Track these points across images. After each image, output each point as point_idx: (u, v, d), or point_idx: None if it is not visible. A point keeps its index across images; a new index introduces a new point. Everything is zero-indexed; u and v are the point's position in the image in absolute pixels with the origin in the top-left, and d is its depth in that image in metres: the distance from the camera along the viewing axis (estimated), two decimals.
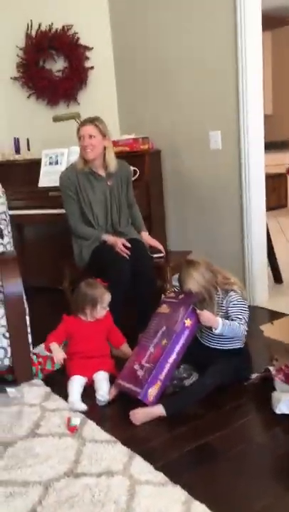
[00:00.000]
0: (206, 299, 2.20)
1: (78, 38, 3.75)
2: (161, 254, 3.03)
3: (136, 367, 2.17)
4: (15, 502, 1.60)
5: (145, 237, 2.99)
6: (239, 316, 2.19)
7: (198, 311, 2.14)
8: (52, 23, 3.73)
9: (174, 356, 2.12)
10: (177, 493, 1.59)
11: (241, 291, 2.26)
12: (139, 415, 2.01)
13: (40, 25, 3.73)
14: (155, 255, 2.99)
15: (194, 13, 3.21)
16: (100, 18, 3.73)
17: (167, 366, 2.11)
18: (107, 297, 2.41)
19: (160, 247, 3.02)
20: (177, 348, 2.13)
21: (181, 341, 2.14)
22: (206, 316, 2.14)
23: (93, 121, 2.78)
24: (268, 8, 4.76)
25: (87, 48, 3.77)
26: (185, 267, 2.25)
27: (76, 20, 3.72)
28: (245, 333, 2.22)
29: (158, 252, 3.02)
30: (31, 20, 3.73)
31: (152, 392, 2.06)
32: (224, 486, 1.64)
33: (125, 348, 2.49)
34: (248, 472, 1.70)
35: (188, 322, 2.16)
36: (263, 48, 3.10)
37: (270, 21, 5.46)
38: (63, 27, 3.72)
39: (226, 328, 2.14)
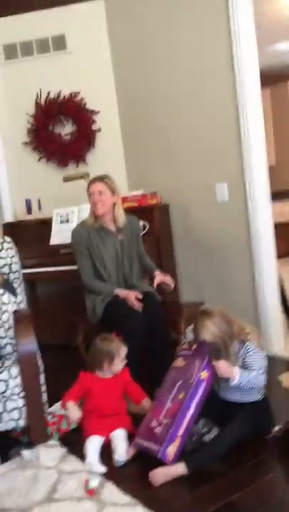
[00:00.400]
0: (221, 349, 2.16)
1: (85, 103, 3.93)
2: (171, 287, 2.96)
3: (153, 424, 2.11)
4: None
5: (158, 277, 2.93)
6: (256, 366, 2.14)
7: (213, 363, 2.11)
8: (60, 91, 3.92)
9: (191, 410, 2.07)
10: None
11: (258, 340, 2.22)
12: (159, 476, 1.94)
13: (48, 94, 3.93)
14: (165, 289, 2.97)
15: (194, 73, 3.37)
16: (105, 84, 3.92)
17: (186, 421, 2.05)
18: (124, 350, 2.38)
19: (171, 281, 2.95)
20: (195, 401, 2.08)
21: (199, 394, 2.09)
22: (223, 367, 2.09)
23: (103, 178, 2.88)
24: (266, 66, 5.02)
25: (93, 112, 3.94)
26: (200, 317, 2.22)
27: (83, 86, 3.91)
28: (265, 382, 2.16)
29: (168, 287, 2.96)
30: (40, 89, 3.93)
31: (171, 450, 1.99)
32: None
33: (146, 402, 2.41)
34: None
35: (204, 375, 2.11)
36: (263, 103, 3.24)
37: (269, 78, 5.71)
38: (71, 94, 3.92)
39: (245, 378, 2.09)
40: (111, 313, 2.77)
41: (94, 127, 3.96)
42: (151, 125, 3.76)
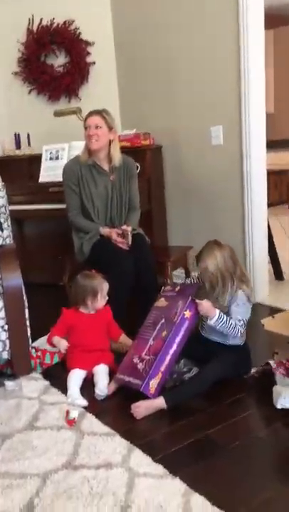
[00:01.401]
0: (217, 284, 2.17)
1: (80, 33, 3.73)
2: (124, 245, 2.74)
3: (135, 360, 2.15)
4: (12, 494, 1.58)
5: (125, 228, 2.75)
6: (239, 317, 2.16)
7: (197, 301, 2.12)
8: (53, 18, 3.71)
9: (174, 348, 2.11)
10: (176, 486, 1.57)
11: (250, 292, 2.23)
12: (141, 409, 1.99)
13: (41, 20, 3.71)
14: None
15: (197, 10, 3.19)
16: (101, 13, 3.71)
17: (168, 358, 2.09)
18: (106, 286, 2.40)
19: (125, 244, 2.73)
20: (177, 339, 2.12)
21: (181, 333, 2.13)
22: (205, 305, 2.12)
23: (101, 112, 2.77)
24: (270, 7, 4.76)
25: (88, 43, 3.75)
26: (210, 245, 2.22)
27: (77, 15, 3.71)
28: (240, 334, 2.17)
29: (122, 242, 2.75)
30: (33, 15, 3.71)
31: (153, 384, 2.04)
32: (224, 479, 1.62)
33: (124, 338, 2.48)
34: (248, 466, 1.68)
35: (187, 313, 2.14)
36: (266, 46, 3.09)
37: (273, 20, 5.45)
38: (65, 22, 3.71)
39: (221, 321, 2.12)
40: (98, 253, 2.75)
41: (88, 60, 3.78)
42: (149, 61, 3.60)
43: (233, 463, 1.70)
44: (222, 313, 2.13)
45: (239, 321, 2.15)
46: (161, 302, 2.32)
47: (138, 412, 1.98)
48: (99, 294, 2.37)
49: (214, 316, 2.11)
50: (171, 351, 2.10)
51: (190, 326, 2.16)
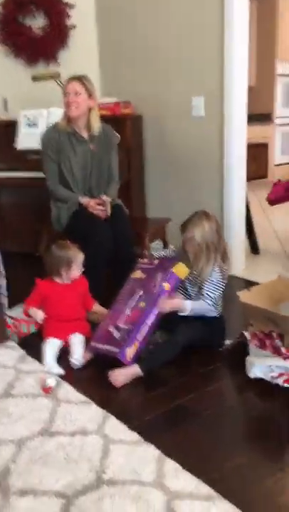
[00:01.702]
0: (201, 255, 2.18)
1: None
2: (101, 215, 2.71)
3: (111, 329, 2.16)
4: None
5: (103, 199, 2.73)
6: (210, 294, 2.18)
7: (168, 300, 2.14)
8: None
9: (151, 319, 2.13)
10: (150, 452, 1.60)
11: (227, 271, 2.25)
12: (119, 376, 2.01)
13: None
14: None
15: None
16: None
17: (145, 328, 2.11)
18: (81, 257, 2.39)
19: (102, 213, 2.70)
20: (155, 310, 2.14)
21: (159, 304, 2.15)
22: (176, 303, 2.16)
23: (80, 78, 2.69)
24: None
25: (68, 5, 3.62)
26: (198, 215, 2.22)
27: None
28: (213, 309, 2.21)
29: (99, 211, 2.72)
30: None
31: (130, 352, 2.06)
32: (197, 445, 1.66)
33: (97, 307, 2.48)
34: (220, 433, 1.73)
35: (166, 286, 2.16)
36: (249, 19, 3.03)
37: None
38: None
39: (194, 311, 2.16)
40: (76, 223, 2.72)
41: (68, 23, 3.65)
42: (131, 28, 3.50)
43: (205, 430, 1.74)
44: (194, 305, 2.15)
45: (210, 298, 2.18)
46: (138, 274, 2.32)
47: (117, 380, 2.00)
48: (73, 265, 2.36)
49: (186, 311, 2.15)
50: (149, 322, 2.12)
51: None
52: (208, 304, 2.19)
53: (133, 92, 3.55)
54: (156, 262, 2.34)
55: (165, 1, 3.24)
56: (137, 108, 3.53)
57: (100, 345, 2.16)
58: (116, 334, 2.12)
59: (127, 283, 2.34)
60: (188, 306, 2.16)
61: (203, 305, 2.18)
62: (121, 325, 2.15)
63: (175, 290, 2.22)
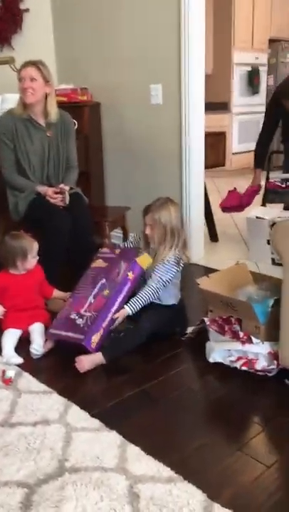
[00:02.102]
0: (164, 239, 2.19)
1: None
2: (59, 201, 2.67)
3: (73, 316, 2.15)
4: None
5: (62, 187, 2.68)
6: (159, 277, 2.18)
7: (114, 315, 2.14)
8: None
9: (116, 306, 2.14)
10: (113, 438, 1.61)
11: (182, 258, 2.26)
12: (84, 362, 2.00)
13: None
14: None
15: None
16: None
17: (110, 315, 2.12)
18: (36, 246, 2.35)
19: (60, 201, 2.66)
20: (120, 298, 2.15)
21: (124, 292, 2.17)
22: (122, 313, 2.15)
23: (36, 63, 2.63)
24: None
25: None
26: (163, 199, 2.24)
27: None
28: (160, 293, 2.21)
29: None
30: None
31: (95, 339, 2.06)
32: (159, 430, 1.69)
33: (57, 293, 2.46)
34: (182, 417, 1.76)
35: (130, 275, 2.18)
36: (206, 6, 3.04)
37: None
38: None
39: (137, 307, 2.16)
40: (34, 212, 2.67)
41: (21, 6, 3.55)
42: (88, 12, 3.44)
43: (166, 415, 1.77)
44: (130, 305, 2.15)
45: (158, 281, 2.18)
46: (99, 263, 2.32)
47: (82, 366, 2.00)
48: (29, 255, 2.32)
49: (128, 312, 2.15)
50: (113, 309, 2.13)
51: (132, 287, 2.20)
52: (150, 288, 2.17)
53: (90, 79, 3.50)
54: (117, 251, 2.34)
55: None
56: (94, 95, 3.49)
57: (62, 332, 2.14)
58: (80, 321, 2.11)
59: (87, 272, 2.33)
60: (128, 310, 2.15)
61: (145, 295, 2.16)
62: (84, 312, 2.14)
63: (137, 280, 2.22)
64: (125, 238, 3.31)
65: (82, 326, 2.09)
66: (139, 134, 3.40)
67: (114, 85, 3.44)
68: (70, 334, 2.11)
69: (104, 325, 2.10)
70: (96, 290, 2.20)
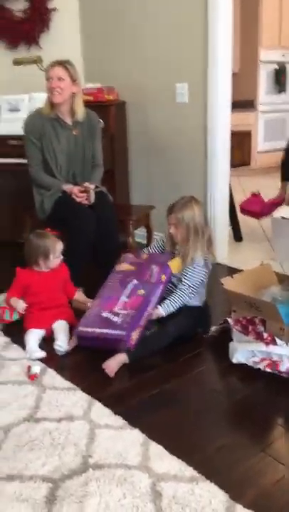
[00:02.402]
0: (188, 239, 2.19)
1: None
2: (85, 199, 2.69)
3: (105, 315, 2.15)
4: None
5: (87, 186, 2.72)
6: (187, 282, 2.19)
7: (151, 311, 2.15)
8: None
9: (151, 305, 2.15)
10: (136, 436, 1.63)
11: (210, 258, 2.26)
12: (113, 365, 2.01)
13: None
14: None
15: None
16: None
17: (146, 314, 2.13)
18: (59, 246, 2.36)
19: (85, 198, 2.68)
20: (154, 298, 2.17)
21: (158, 293, 2.19)
22: (155, 313, 2.16)
23: (64, 63, 2.65)
24: None
25: None
26: (187, 198, 2.25)
27: None
28: (192, 297, 2.22)
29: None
30: None
31: (134, 335, 2.06)
32: (182, 429, 1.69)
33: (79, 295, 2.47)
34: (204, 416, 1.76)
35: (163, 277, 2.21)
36: (233, 5, 3.01)
37: None
38: None
39: (170, 310, 2.17)
40: (60, 210, 2.70)
41: (49, 6, 3.59)
42: (115, 13, 3.46)
43: (189, 414, 1.77)
44: (164, 306, 2.17)
45: (188, 286, 2.19)
46: (126, 266, 2.35)
47: (111, 370, 2.00)
48: (51, 255, 2.33)
49: (161, 314, 2.17)
50: (149, 308, 2.15)
51: (164, 289, 2.22)
52: (183, 292, 2.19)
53: (117, 78, 3.52)
54: (145, 256, 2.37)
55: None
56: (120, 94, 3.51)
57: (96, 329, 2.12)
58: (115, 319, 2.11)
59: (113, 274, 2.34)
60: (162, 312, 2.16)
61: (178, 299, 2.18)
62: (119, 310, 2.15)
63: (168, 283, 2.24)
64: (149, 237, 3.32)
65: (119, 323, 2.09)
66: (164, 133, 3.40)
67: (141, 84, 3.45)
68: (106, 331, 2.09)
69: (142, 323, 2.11)
70: (128, 290, 2.21)
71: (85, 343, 2.18)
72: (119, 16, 3.44)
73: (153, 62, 3.33)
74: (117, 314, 2.14)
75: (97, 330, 2.13)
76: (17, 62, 3.36)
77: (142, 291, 2.18)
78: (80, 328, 2.18)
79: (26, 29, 3.60)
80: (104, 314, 2.16)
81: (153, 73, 3.35)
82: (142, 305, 2.14)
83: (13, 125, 3.32)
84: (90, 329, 2.15)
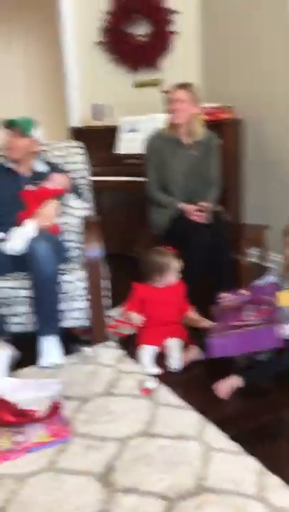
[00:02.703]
0: None
1: (163, 1, 3.65)
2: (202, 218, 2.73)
3: (236, 323, 2.14)
4: (93, 455, 1.67)
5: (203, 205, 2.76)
6: None
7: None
8: None
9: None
10: (252, 464, 1.59)
11: None
12: (224, 387, 2.00)
13: None
14: None
15: None
16: None
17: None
18: (176, 265, 2.38)
19: (200, 217, 2.72)
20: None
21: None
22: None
23: (186, 86, 2.73)
24: None
25: (172, 12, 3.66)
26: None
27: None
28: None
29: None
30: None
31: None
32: None
33: (192, 314, 2.46)
34: None
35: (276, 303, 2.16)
36: None
37: None
38: None
39: None
40: (175, 228, 2.76)
41: (172, 30, 3.70)
42: (235, 33, 3.47)
43: None
44: None
45: None
46: (229, 303, 2.34)
47: (222, 392, 1.99)
48: (166, 272, 2.36)
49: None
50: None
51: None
52: None
53: (234, 96, 3.52)
54: (246, 293, 2.32)
55: (271, 5, 3.17)
56: (238, 112, 3.50)
57: (243, 331, 2.09)
58: (256, 318, 2.11)
59: (220, 307, 2.35)
60: None
61: None
62: (252, 317, 2.14)
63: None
64: (263, 258, 3.25)
65: (267, 318, 2.07)
66: (282, 151, 3.33)
67: (259, 101, 3.41)
68: (255, 328, 2.05)
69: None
70: (248, 311, 2.19)
71: (220, 351, 2.10)
72: (240, 34, 3.44)
73: (274, 77, 3.27)
74: (250, 318, 2.12)
75: (243, 331, 2.08)
76: (138, 85, 3.50)
77: (265, 307, 2.14)
78: (215, 340, 2.11)
79: (148, 53, 3.74)
80: (234, 323, 2.14)
81: (274, 89, 3.30)
82: (273, 313, 2.08)
83: (131, 145, 3.47)
84: (234, 331, 2.11)
